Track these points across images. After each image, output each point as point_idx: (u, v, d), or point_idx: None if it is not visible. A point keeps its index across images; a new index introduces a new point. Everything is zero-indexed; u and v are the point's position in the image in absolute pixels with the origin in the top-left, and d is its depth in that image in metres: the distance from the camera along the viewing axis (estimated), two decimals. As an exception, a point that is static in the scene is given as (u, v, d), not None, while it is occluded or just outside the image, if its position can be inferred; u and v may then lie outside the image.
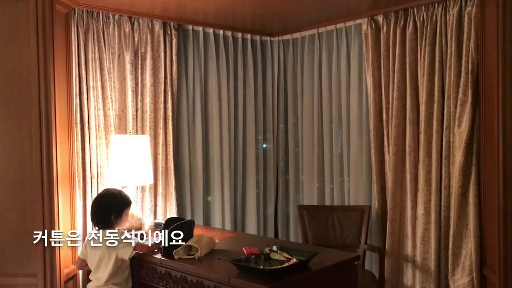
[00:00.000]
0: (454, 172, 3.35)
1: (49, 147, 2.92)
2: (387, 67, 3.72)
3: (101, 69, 3.58)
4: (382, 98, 3.77)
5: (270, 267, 2.43)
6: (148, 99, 3.78)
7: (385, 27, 3.71)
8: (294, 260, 2.50)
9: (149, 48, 3.78)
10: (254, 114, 4.57)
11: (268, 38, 4.64)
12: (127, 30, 3.69)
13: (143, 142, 3.46)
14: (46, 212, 2.91)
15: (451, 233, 3.37)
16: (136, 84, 3.75)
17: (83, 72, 3.47)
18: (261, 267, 2.46)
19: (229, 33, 4.37)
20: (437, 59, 3.45)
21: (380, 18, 3.74)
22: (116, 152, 3.37)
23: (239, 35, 4.44)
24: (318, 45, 4.33)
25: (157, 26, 3.82)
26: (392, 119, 3.66)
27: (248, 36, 4.50)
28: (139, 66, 3.76)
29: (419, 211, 3.54)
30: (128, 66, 3.69)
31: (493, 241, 3.01)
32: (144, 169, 3.42)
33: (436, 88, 3.45)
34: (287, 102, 4.67)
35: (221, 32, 4.29)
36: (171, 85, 3.91)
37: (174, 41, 3.91)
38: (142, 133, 3.77)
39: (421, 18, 3.52)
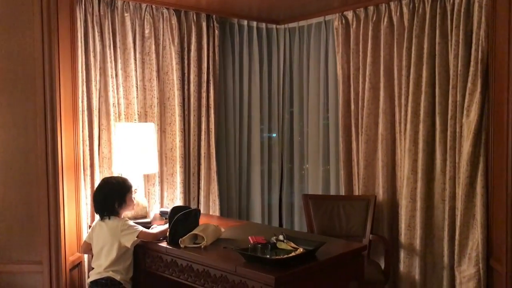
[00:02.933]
0: (462, 162, 3.33)
1: (54, 134, 2.90)
2: (356, 60, 3.90)
3: (113, 59, 3.57)
4: (351, 90, 3.95)
5: (277, 257, 2.41)
6: (192, 88, 3.96)
7: (354, 23, 3.89)
8: (301, 249, 2.49)
9: (193, 40, 3.95)
10: (259, 102, 4.54)
11: (274, 26, 4.59)
12: (173, 22, 3.82)
13: (148, 130, 3.44)
14: (51, 199, 2.90)
15: (457, 223, 3.36)
16: (183, 74, 3.91)
17: (91, 60, 3.45)
18: (268, 256, 2.45)
19: (235, 20, 4.33)
20: (425, 50, 3.48)
21: (349, 14, 3.93)
22: (121, 139, 3.35)
23: (245, 22, 4.39)
24: (325, 33, 4.28)
25: (201, 19, 4.00)
26: (364, 110, 3.82)
27: (254, 23, 4.46)
28: (186, 57, 3.94)
29: (404, 199, 3.61)
30: (174, 57, 3.82)
31: (500, 232, 3.00)
32: (149, 157, 3.40)
33: (423, 79, 3.49)
34: (293, 91, 4.64)
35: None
36: (213, 75, 4.07)
37: (217, 33, 4.09)
38: (189, 120, 3.98)
39: (397, 14, 3.63)
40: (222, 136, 4.30)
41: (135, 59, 3.67)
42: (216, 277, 2.50)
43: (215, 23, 4.09)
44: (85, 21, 3.43)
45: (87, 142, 3.45)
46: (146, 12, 3.72)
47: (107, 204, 2.93)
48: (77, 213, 3.24)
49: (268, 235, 2.69)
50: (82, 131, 3.42)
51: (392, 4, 3.68)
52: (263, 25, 4.53)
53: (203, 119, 4.04)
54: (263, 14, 4.30)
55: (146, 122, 3.74)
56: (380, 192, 3.80)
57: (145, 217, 3.32)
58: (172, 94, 3.87)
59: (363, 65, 3.87)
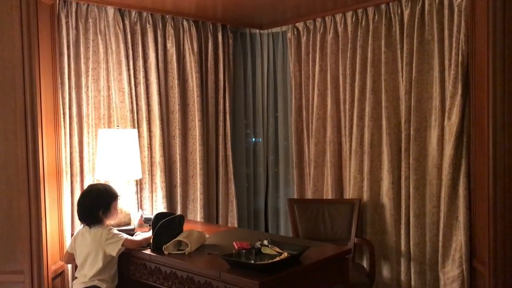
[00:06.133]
0: (444, 165, 3.37)
1: (35, 142, 2.86)
2: (306, 69, 4.18)
3: (132, 68, 3.70)
4: (302, 96, 4.24)
5: (261, 262, 2.41)
6: (210, 95, 4.20)
7: (305, 34, 4.16)
8: (285, 254, 2.49)
9: (210, 49, 4.18)
10: (244, 107, 4.57)
11: (258, 31, 4.60)
12: (192, 32, 4.02)
13: (131, 136, 3.41)
14: (33, 208, 2.86)
15: (441, 225, 3.39)
16: (202, 82, 4.09)
17: (82, 67, 3.49)
18: (252, 262, 2.44)
19: (218, 25, 4.34)
20: (369, 60, 3.71)
21: (301, 25, 4.20)
22: (104, 146, 3.32)
23: (228, 27, 4.40)
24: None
25: (217, 29, 4.24)
26: (313, 115, 4.08)
27: (238, 28, 4.47)
28: (203, 65, 4.15)
29: (352, 196, 3.86)
30: (194, 65, 4.02)
31: (483, 233, 3.03)
32: (132, 163, 3.37)
33: (368, 86, 3.73)
34: (277, 96, 4.65)
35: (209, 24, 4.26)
36: (229, 82, 4.31)
37: (231, 42, 4.34)
38: (207, 124, 4.19)
39: (342, 26, 3.87)
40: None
41: (157, 68, 3.82)
42: (201, 284, 2.49)
43: (229, 32, 4.32)
44: (76, 28, 3.47)
45: (76, 149, 3.45)
46: (168, 24, 3.91)
47: (92, 211, 2.87)
48: (60, 221, 3.20)
49: (253, 240, 2.68)
50: (70, 137, 3.43)
51: (337, 17, 3.93)
52: (247, 30, 4.54)
53: (220, 123, 4.26)
54: (246, 19, 4.31)
55: (168, 127, 3.95)
56: (329, 190, 4.03)
57: (128, 224, 3.28)
58: (192, 101, 4.06)
59: (313, 73, 4.14)
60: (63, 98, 3.39)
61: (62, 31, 3.38)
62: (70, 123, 3.43)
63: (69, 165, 3.42)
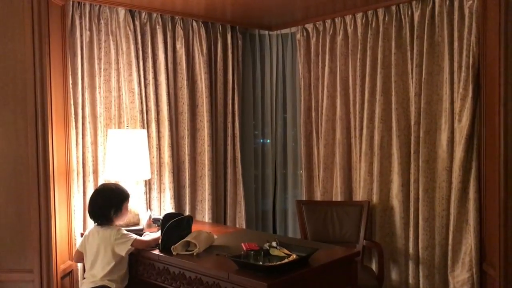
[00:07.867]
0: (454, 168, 3.34)
1: (45, 142, 2.88)
2: (316, 70, 4.16)
3: (142, 68, 3.72)
4: (312, 97, 4.23)
5: (269, 264, 2.40)
6: (218, 96, 4.19)
7: (314, 36, 4.17)
8: (294, 256, 2.48)
9: (219, 50, 4.18)
10: (253, 108, 4.57)
11: (267, 32, 4.60)
12: (202, 33, 4.04)
13: (140, 136, 3.42)
14: (42, 207, 2.88)
15: (450, 228, 3.36)
16: (211, 82, 4.11)
17: (96, 67, 3.53)
18: (261, 263, 2.43)
19: (227, 26, 4.34)
20: (379, 61, 3.70)
21: (310, 27, 4.21)
22: (114, 146, 3.33)
23: (237, 28, 4.41)
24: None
25: (226, 30, 4.24)
26: (323, 116, 4.07)
27: (247, 29, 4.48)
28: (213, 66, 4.15)
29: (361, 199, 3.84)
30: (203, 66, 4.03)
31: (493, 236, 3.00)
32: (141, 163, 3.38)
33: (378, 88, 3.72)
34: (286, 97, 4.65)
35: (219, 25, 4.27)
36: (238, 83, 4.31)
37: (240, 44, 4.34)
38: (217, 124, 4.19)
39: (352, 27, 3.87)
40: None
41: (166, 69, 3.84)
42: (209, 285, 2.49)
43: (238, 34, 4.33)
44: (90, 29, 3.49)
45: (89, 149, 3.47)
46: (177, 25, 3.93)
47: (104, 211, 2.88)
48: (69, 221, 3.22)
49: (261, 242, 2.68)
50: (83, 137, 3.45)
51: (347, 18, 3.92)
52: (256, 31, 4.55)
53: (229, 124, 4.27)
54: (255, 20, 4.31)
55: (177, 127, 3.97)
56: (338, 192, 4.01)
57: (137, 224, 3.30)
58: (201, 102, 4.07)
59: (322, 75, 4.14)
60: (75, 98, 3.41)
61: (76, 32, 3.41)
62: (83, 123, 3.46)
63: (81, 165, 3.43)
